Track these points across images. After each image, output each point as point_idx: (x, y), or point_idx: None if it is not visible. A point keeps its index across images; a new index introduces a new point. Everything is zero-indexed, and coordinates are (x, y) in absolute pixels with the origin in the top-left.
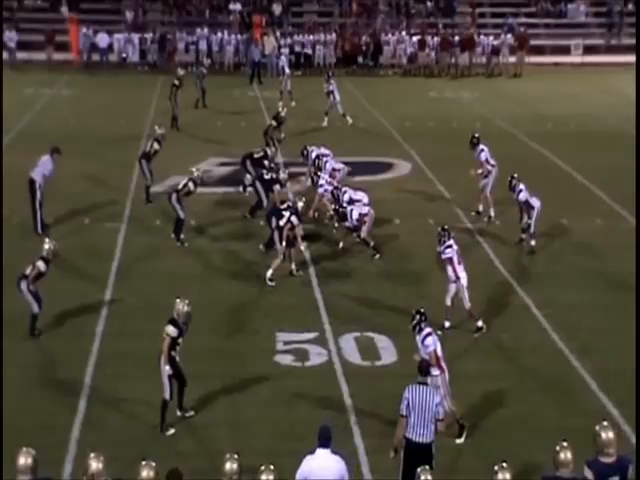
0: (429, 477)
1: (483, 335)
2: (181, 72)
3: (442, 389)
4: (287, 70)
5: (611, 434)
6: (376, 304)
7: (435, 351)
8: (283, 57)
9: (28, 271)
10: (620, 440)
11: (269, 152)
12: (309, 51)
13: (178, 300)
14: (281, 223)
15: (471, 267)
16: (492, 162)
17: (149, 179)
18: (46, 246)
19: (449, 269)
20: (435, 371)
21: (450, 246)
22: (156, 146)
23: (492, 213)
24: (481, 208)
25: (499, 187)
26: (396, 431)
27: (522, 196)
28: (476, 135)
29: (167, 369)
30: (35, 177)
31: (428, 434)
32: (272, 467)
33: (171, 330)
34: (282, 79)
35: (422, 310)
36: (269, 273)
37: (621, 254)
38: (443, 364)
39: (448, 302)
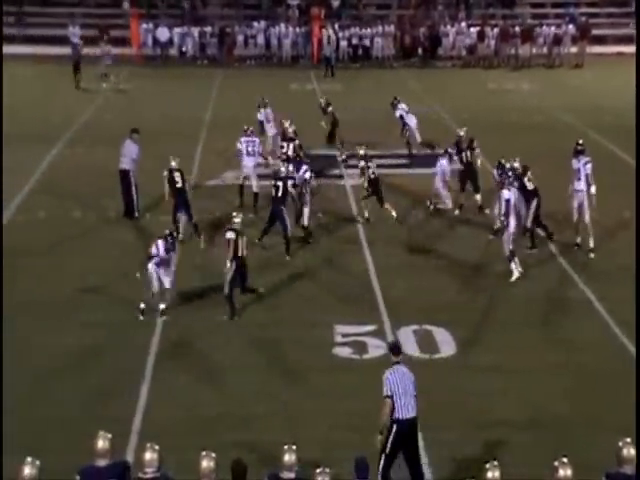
0: (497, 474)
1: (544, 329)
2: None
3: None
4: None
5: (632, 451)
6: (434, 297)
7: None
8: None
9: (240, 252)
10: None
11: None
12: (367, 43)
13: None
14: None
15: (532, 260)
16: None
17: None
18: (237, 220)
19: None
20: None
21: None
22: (362, 164)
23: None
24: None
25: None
26: (382, 412)
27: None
28: (580, 142)
29: None
30: (125, 167)
31: (412, 409)
32: (328, 470)
33: None
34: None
35: None
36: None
37: None
38: None
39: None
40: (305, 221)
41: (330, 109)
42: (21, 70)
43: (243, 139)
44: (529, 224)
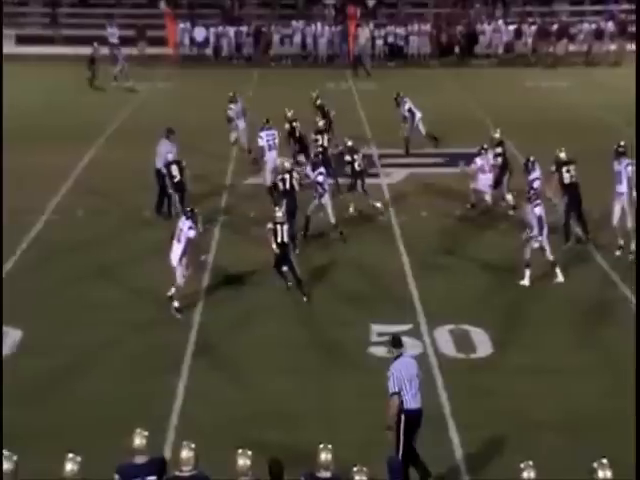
0: (532, 474)
1: (582, 328)
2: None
3: None
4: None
5: None
6: (470, 297)
7: None
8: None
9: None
10: None
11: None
12: (402, 42)
13: None
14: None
15: (571, 260)
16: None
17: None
18: (279, 214)
19: None
20: None
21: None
22: (348, 158)
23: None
24: None
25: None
26: (390, 409)
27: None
28: (621, 144)
29: None
30: (161, 166)
31: (419, 399)
32: (365, 469)
33: None
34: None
35: None
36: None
37: None
38: None
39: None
40: (332, 219)
41: (319, 102)
42: (59, 70)
43: (263, 133)
44: (563, 219)
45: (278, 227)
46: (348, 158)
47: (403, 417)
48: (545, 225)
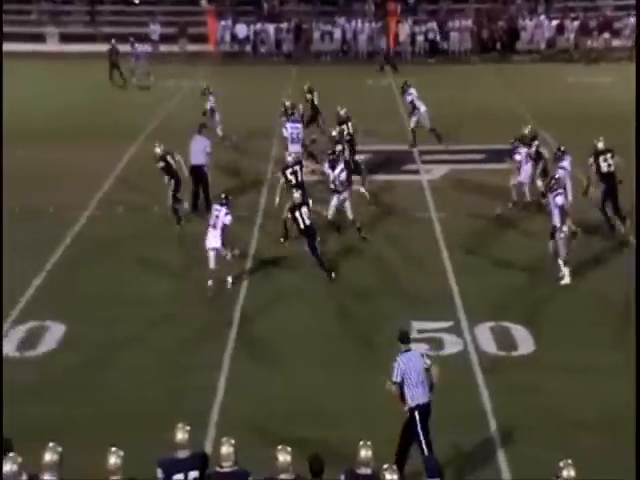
0: (572, 473)
1: (624, 326)
2: None
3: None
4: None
5: None
6: (511, 294)
7: None
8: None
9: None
10: None
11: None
12: (440, 38)
13: None
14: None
15: (611, 256)
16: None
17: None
18: (296, 194)
19: None
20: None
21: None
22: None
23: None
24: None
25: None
26: (391, 394)
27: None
28: None
29: None
30: (198, 162)
31: (427, 393)
32: (395, 467)
33: None
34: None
35: None
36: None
37: None
38: None
39: None
40: (350, 215)
41: (310, 96)
42: (101, 67)
43: (289, 125)
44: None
45: (297, 213)
46: (339, 147)
47: (417, 414)
48: (566, 217)
